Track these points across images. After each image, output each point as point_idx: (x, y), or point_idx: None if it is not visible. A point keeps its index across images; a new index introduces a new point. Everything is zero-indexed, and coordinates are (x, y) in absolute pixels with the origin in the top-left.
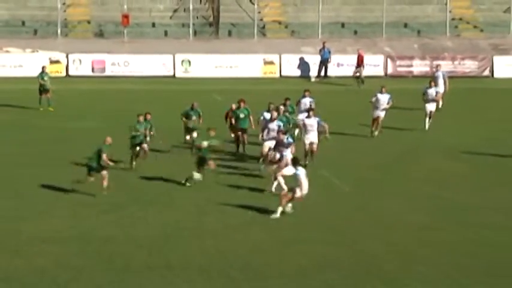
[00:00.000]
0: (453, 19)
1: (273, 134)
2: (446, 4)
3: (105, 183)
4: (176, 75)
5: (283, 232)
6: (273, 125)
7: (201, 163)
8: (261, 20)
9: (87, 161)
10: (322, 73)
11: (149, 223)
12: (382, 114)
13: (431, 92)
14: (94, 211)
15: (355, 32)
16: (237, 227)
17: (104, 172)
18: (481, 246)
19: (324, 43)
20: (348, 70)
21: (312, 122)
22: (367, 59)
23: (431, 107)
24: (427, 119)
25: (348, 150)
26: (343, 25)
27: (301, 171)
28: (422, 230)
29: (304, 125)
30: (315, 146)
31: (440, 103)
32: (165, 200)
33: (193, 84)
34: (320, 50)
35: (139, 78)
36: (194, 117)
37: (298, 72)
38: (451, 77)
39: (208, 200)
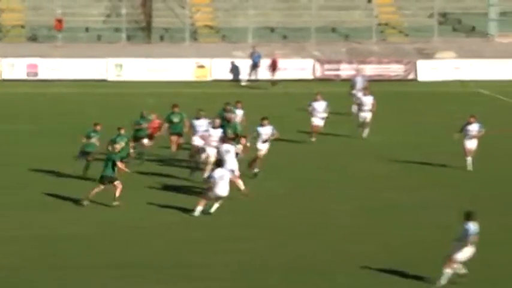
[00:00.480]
0: (379, 24)
1: (214, 142)
2: (372, 10)
3: (118, 193)
4: (109, 79)
5: (219, 231)
6: (217, 133)
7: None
8: (193, 24)
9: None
10: (253, 77)
11: (86, 222)
12: (321, 122)
13: (367, 100)
14: (30, 211)
15: (285, 37)
16: (173, 225)
17: (117, 182)
18: (415, 245)
19: (254, 47)
20: (277, 74)
21: (267, 131)
22: (296, 63)
23: (366, 115)
24: (363, 128)
25: (281, 153)
26: (272, 30)
27: (217, 174)
28: (356, 229)
29: (258, 133)
30: (262, 153)
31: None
32: (101, 198)
33: (126, 88)
34: (251, 54)
35: (73, 82)
36: (146, 125)
37: (229, 76)
38: (378, 81)
39: (145, 200)
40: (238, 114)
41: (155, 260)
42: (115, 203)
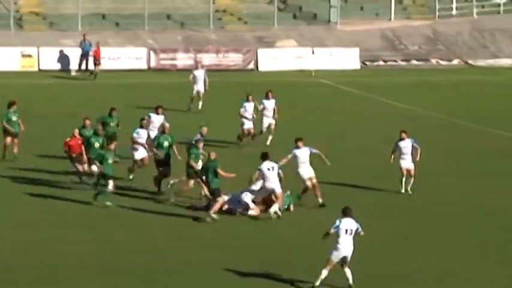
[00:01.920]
0: (217, 11)
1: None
2: None
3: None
4: None
5: (38, 232)
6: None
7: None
8: (17, 11)
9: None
10: (84, 66)
11: None
12: (251, 124)
13: (269, 104)
14: None
15: (117, 24)
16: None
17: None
18: (239, 240)
19: (84, 35)
20: (110, 63)
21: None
22: (129, 51)
23: (270, 120)
24: (268, 134)
25: None
26: (104, 17)
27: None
28: (173, 226)
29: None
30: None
31: (200, 103)
32: None
33: None
34: (81, 43)
35: None
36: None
37: (58, 66)
38: (216, 71)
39: None
40: (156, 120)
41: None
42: (213, 216)
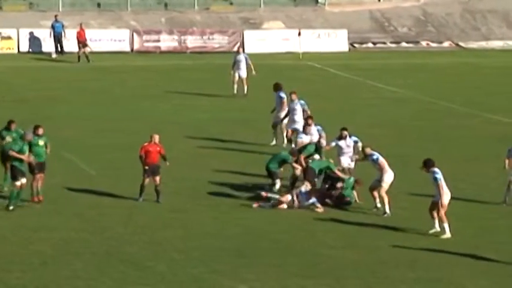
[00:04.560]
0: None
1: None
2: None
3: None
4: None
5: (28, 219)
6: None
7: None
8: None
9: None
10: (59, 49)
11: None
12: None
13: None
14: None
15: (99, 5)
16: None
17: None
18: (233, 228)
19: (56, 16)
20: (91, 45)
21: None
22: (111, 33)
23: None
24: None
25: (95, 132)
26: None
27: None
28: (170, 212)
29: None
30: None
31: (246, 88)
32: None
33: None
34: (52, 25)
35: None
36: None
37: (38, 48)
38: (201, 53)
39: None
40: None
41: None
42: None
